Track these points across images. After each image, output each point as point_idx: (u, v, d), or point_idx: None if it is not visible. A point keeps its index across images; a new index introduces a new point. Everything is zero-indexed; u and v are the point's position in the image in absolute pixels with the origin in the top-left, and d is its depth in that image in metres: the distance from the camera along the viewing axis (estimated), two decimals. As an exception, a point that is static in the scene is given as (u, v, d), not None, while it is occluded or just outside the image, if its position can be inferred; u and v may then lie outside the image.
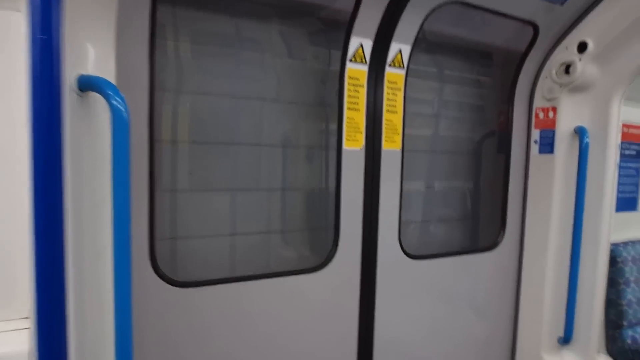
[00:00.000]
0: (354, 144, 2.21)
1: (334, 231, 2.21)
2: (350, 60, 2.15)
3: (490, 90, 3.00)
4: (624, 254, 2.85)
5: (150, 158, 1.72)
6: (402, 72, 2.32)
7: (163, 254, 1.87)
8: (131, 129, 1.24)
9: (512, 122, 2.82)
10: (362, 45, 2.16)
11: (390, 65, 2.27)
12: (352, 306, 2.31)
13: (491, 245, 2.81)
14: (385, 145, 2.31)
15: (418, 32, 2.28)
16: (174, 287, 1.85)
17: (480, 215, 3.04)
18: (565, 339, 2.72)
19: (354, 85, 2.18)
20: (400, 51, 2.28)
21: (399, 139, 2.35)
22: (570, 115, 2.67)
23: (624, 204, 3.15)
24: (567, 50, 2.57)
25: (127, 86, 1.59)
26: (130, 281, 1.27)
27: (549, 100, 2.70)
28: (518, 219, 2.88)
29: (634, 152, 3.20)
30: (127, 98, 1.24)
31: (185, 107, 2.03)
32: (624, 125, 3.00)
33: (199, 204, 2.08)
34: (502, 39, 2.84)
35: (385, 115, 2.30)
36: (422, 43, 2.51)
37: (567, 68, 2.57)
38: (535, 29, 2.60)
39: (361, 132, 2.22)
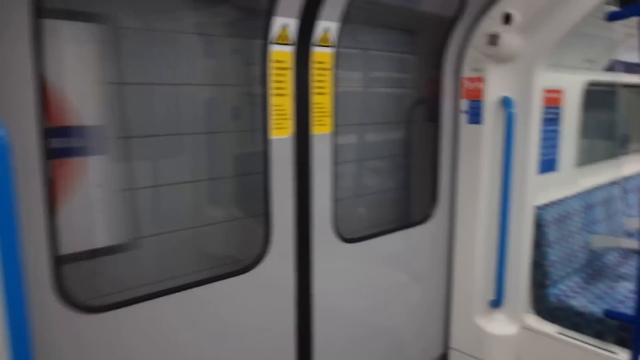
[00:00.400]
0: (281, 132, 2.07)
1: (265, 227, 2.08)
2: (274, 43, 1.98)
3: (421, 59, 2.95)
4: (547, 216, 2.98)
5: (42, 170, 1.47)
6: (331, 51, 2.19)
7: (72, 275, 1.62)
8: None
9: (441, 92, 2.80)
10: (286, 26, 1.99)
11: (317, 44, 2.12)
12: (288, 304, 2.23)
13: (424, 218, 2.83)
14: (316, 130, 2.20)
15: (346, 9, 2.14)
16: (85, 314, 1.60)
17: (413, 188, 3.05)
18: (496, 302, 2.85)
19: (279, 68, 2.02)
20: (328, 29, 2.13)
21: (329, 121, 2.24)
22: (496, 85, 2.69)
23: (545, 165, 3.30)
24: (492, 21, 2.55)
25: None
26: (26, 310, 1.10)
27: (475, 70, 2.69)
28: (449, 190, 2.91)
29: (553, 116, 3.32)
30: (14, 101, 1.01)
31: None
32: (544, 91, 3.08)
33: (115, 209, 1.87)
34: (431, 6, 2.77)
35: (315, 98, 2.17)
36: (350, 18, 2.38)
37: (493, 39, 2.55)
38: (463, 1, 2.55)
39: (289, 119, 2.08)
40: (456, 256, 2.94)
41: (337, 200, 2.35)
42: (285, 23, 1.99)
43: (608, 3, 2.58)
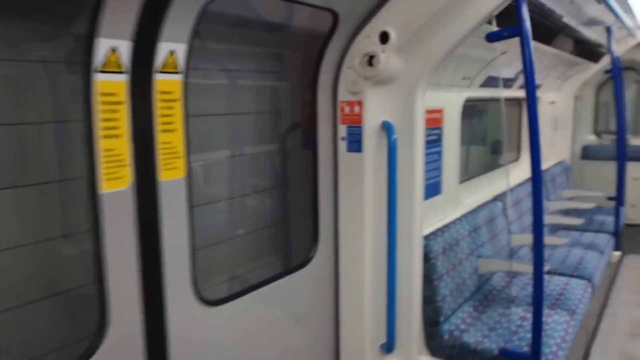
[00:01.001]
0: (116, 183, 1.59)
1: (100, 309, 1.58)
2: (100, 71, 1.50)
3: (293, 81, 2.60)
4: (435, 247, 2.79)
5: None
6: (179, 78, 1.74)
7: None
8: None
9: (317, 117, 2.47)
10: (115, 49, 1.51)
11: (161, 71, 1.67)
12: None
13: (305, 261, 2.48)
14: (165, 175, 1.74)
15: (196, 27, 1.72)
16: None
17: (291, 227, 2.69)
18: (388, 346, 2.58)
19: (109, 103, 1.53)
20: (174, 52, 1.69)
21: (181, 163, 1.80)
22: (376, 109, 2.42)
23: (431, 190, 3.13)
24: (369, 40, 2.28)
25: None
26: None
27: (353, 93, 2.40)
28: (331, 226, 2.60)
29: (435, 137, 3.17)
30: None
31: None
32: (425, 112, 2.92)
33: None
34: (300, 22, 2.44)
35: (161, 137, 1.72)
36: (204, 37, 1.96)
37: (370, 59, 2.27)
38: (335, 15, 2.24)
39: (126, 166, 1.61)
40: (342, 300, 2.63)
41: (196, 254, 1.90)
42: (114, 46, 1.52)
43: (489, 22, 2.43)
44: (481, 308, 3.05)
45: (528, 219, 4.36)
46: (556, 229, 4.77)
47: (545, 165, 5.46)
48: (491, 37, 2.45)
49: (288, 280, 2.37)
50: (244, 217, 2.43)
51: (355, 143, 2.45)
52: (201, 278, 1.94)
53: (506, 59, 3.62)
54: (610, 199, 5.07)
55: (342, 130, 2.48)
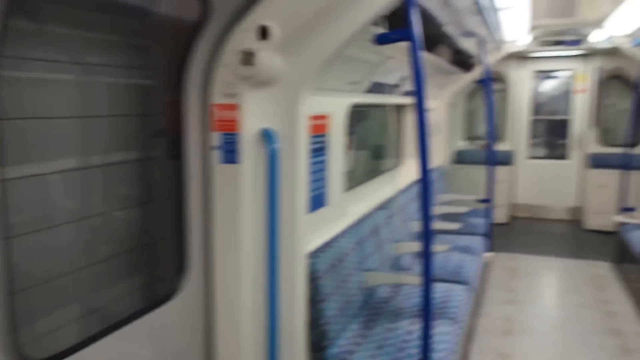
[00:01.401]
0: None
1: None
2: None
3: (156, 78, 2.20)
4: (320, 265, 2.57)
5: None
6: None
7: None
8: None
9: (185, 123, 2.11)
10: None
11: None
12: None
13: (170, 293, 2.11)
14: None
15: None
16: None
17: (155, 253, 2.28)
18: (270, 379, 2.30)
19: None
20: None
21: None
22: (255, 114, 2.12)
23: (316, 202, 2.92)
24: (246, 35, 1.97)
25: None
26: None
27: (228, 96, 2.07)
28: (202, 249, 2.25)
29: (320, 145, 2.97)
30: None
31: None
32: (310, 118, 2.69)
33: None
34: (168, 12, 2.06)
35: None
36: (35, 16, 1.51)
37: (248, 57, 1.97)
38: (205, 3, 1.90)
39: None
40: (218, 333, 2.29)
41: (15, 298, 1.45)
42: None
43: (376, 24, 2.24)
44: (369, 325, 2.91)
45: (413, 225, 4.37)
46: (435, 233, 4.88)
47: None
48: (381, 39, 2.32)
49: (150, 318, 1.98)
50: (90, 245, 1.97)
51: (231, 153, 2.12)
52: (25, 328, 1.50)
53: (391, 64, 3.54)
54: (481, 201, 5.33)
55: (215, 139, 2.14)
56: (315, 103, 2.71)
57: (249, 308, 2.25)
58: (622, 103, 7.16)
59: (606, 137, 7.26)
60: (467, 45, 4.81)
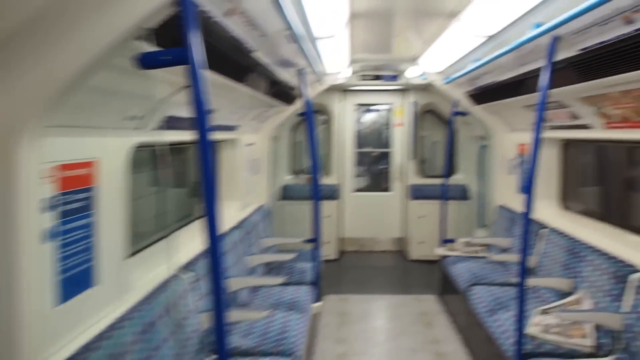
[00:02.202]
0: None
1: None
2: None
3: None
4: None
5: None
6: None
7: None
8: None
9: None
10: None
11: None
12: None
13: None
14: None
15: None
16: None
17: None
18: None
19: None
20: None
21: None
22: None
23: (74, 285, 2.06)
24: None
25: None
26: None
27: None
28: None
29: (81, 203, 2.13)
30: None
31: None
32: (57, 168, 1.88)
33: None
34: None
35: None
36: None
37: None
38: None
39: None
40: None
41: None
42: None
43: (140, 38, 1.58)
44: None
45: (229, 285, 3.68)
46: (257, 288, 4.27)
47: (245, 212, 4.98)
48: (147, 61, 1.79)
49: None
50: None
51: None
52: None
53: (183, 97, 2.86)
54: (307, 241, 4.87)
55: None
56: (71, 147, 1.94)
57: None
58: (437, 136, 7.55)
59: (424, 168, 7.55)
60: (287, 76, 4.39)
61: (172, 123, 2.93)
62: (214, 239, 1.82)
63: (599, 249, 3.45)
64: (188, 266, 3.12)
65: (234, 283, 3.73)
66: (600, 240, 3.57)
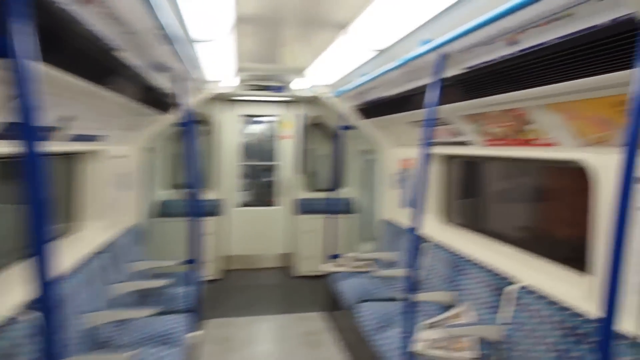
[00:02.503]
0: None
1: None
2: None
3: None
4: None
5: None
6: None
7: None
8: None
9: None
10: None
11: None
12: None
13: None
14: None
15: None
16: None
17: None
18: None
19: None
20: None
21: None
22: None
23: None
24: None
25: None
26: None
27: None
28: None
29: None
30: None
31: None
32: None
33: None
34: None
35: None
36: None
37: None
38: None
39: None
40: None
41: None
42: None
43: None
44: None
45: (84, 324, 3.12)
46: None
47: (111, 234, 4.38)
48: None
49: None
50: None
51: None
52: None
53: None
54: (185, 263, 4.40)
55: None
56: None
57: None
58: (326, 149, 7.48)
59: (312, 182, 7.44)
60: (162, 81, 3.95)
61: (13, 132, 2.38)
62: (46, 282, 1.41)
63: (477, 262, 3.53)
64: (31, 305, 2.56)
65: (94, 318, 3.19)
66: (479, 253, 3.67)
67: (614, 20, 1.65)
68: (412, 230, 3.01)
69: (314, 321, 5.38)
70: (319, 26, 3.34)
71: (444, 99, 3.09)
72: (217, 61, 4.16)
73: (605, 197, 2.45)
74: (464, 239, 4.16)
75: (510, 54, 2.37)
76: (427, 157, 2.97)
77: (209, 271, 6.51)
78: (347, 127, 5.82)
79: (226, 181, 7.18)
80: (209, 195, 6.80)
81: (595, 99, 2.25)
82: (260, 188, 7.64)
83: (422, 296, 3.74)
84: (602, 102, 2.22)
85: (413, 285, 3.07)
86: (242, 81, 6.26)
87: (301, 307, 5.83)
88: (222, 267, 6.95)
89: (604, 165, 2.46)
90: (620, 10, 1.59)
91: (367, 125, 5.78)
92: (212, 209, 6.58)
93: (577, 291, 2.71)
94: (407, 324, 3.03)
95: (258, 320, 5.41)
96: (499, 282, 3.19)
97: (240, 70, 5.43)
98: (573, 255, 2.94)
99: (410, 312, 3.04)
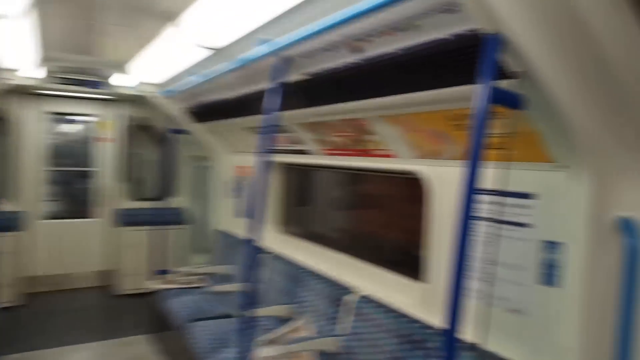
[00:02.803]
0: None
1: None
2: None
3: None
4: None
5: None
6: None
7: None
8: None
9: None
10: None
11: None
12: None
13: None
14: None
15: None
16: None
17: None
18: None
19: None
20: None
21: None
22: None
23: None
24: None
25: None
26: None
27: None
28: None
29: None
30: None
31: None
32: None
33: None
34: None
35: None
36: None
37: None
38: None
39: None
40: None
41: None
42: None
43: None
44: None
45: None
46: None
47: None
48: None
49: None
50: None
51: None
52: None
53: None
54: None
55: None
56: None
57: None
58: (153, 155, 6.85)
59: (137, 190, 6.74)
60: None
61: None
62: None
63: (316, 273, 3.49)
64: None
65: None
66: (317, 264, 3.63)
67: (457, 34, 1.65)
68: (249, 241, 2.83)
69: (140, 345, 4.82)
70: (143, 14, 2.94)
71: (284, 105, 2.96)
72: (12, 45, 3.42)
73: (439, 208, 2.54)
74: (303, 250, 4.09)
75: (353, 63, 2.31)
76: (266, 165, 2.81)
77: (5, 297, 5.45)
78: (178, 131, 5.38)
79: (29, 190, 6.10)
80: (8, 206, 5.71)
81: (430, 113, 2.31)
82: (74, 197, 6.65)
83: (259, 311, 3.56)
84: (437, 115, 2.28)
85: (250, 300, 2.91)
86: (49, 72, 5.36)
87: (124, 330, 5.18)
88: (23, 290, 5.87)
89: (439, 177, 2.55)
90: (466, 25, 1.59)
91: (201, 130, 5.41)
92: (10, 223, 5.53)
93: (411, 299, 2.79)
94: (244, 341, 2.86)
95: (71, 350, 4.64)
96: (338, 292, 3.16)
97: (47, 59, 4.63)
98: (407, 263, 3.04)
99: (247, 329, 2.88)
